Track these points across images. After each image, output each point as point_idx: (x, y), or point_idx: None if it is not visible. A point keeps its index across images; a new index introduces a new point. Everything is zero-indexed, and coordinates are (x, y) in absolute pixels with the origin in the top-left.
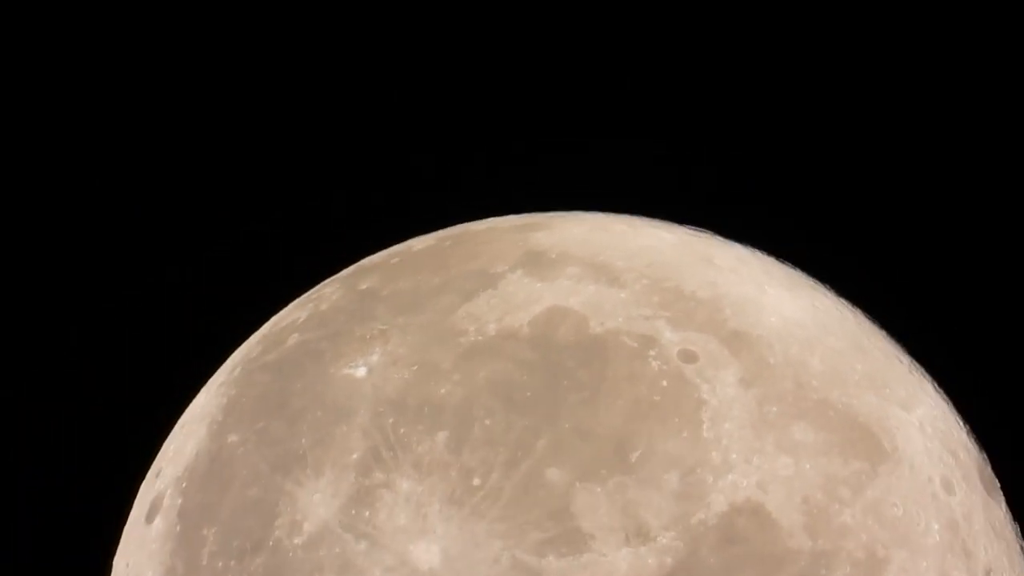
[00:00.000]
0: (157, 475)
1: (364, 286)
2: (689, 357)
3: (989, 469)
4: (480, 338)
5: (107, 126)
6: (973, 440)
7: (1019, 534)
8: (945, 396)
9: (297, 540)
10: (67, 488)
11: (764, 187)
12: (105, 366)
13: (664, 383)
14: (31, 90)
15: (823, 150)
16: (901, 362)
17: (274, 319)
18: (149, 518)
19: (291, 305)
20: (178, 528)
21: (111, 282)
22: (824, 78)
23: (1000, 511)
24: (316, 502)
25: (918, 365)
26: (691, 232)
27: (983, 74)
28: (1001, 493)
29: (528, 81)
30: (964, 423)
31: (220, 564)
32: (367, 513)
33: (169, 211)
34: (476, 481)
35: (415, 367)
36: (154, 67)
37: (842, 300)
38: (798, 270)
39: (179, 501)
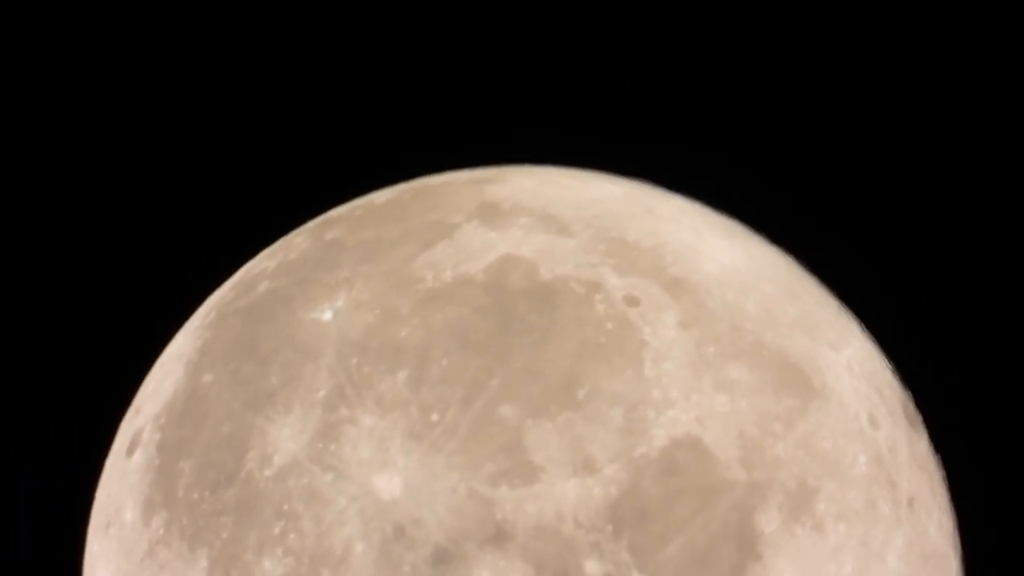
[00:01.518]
0: (137, 412)
1: (330, 236)
2: (632, 301)
3: (912, 405)
4: (437, 284)
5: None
6: (897, 378)
7: (940, 465)
8: (871, 337)
9: (267, 472)
10: (50, 424)
11: (704, 140)
12: (88, 309)
13: (609, 326)
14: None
15: (760, 103)
16: (830, 306)
17: (246, 267)
18: (129, 452)
19: (261, 254)
20: (156, 461)
21: (94, 230)
22: (772, 37)
23: (922, 444)
24: (285, 436)
25: (846, 308)
26: (635, 185)
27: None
28: (923, 428)
29: (483, 44)
30: (889, 363)
31: (195, 495)
32: (333, 447)
33: (147, 164)
34: (434, 417)
35: (377, 311)
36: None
37: (776, 248)
38: (735, 220)
39: (157, 436)
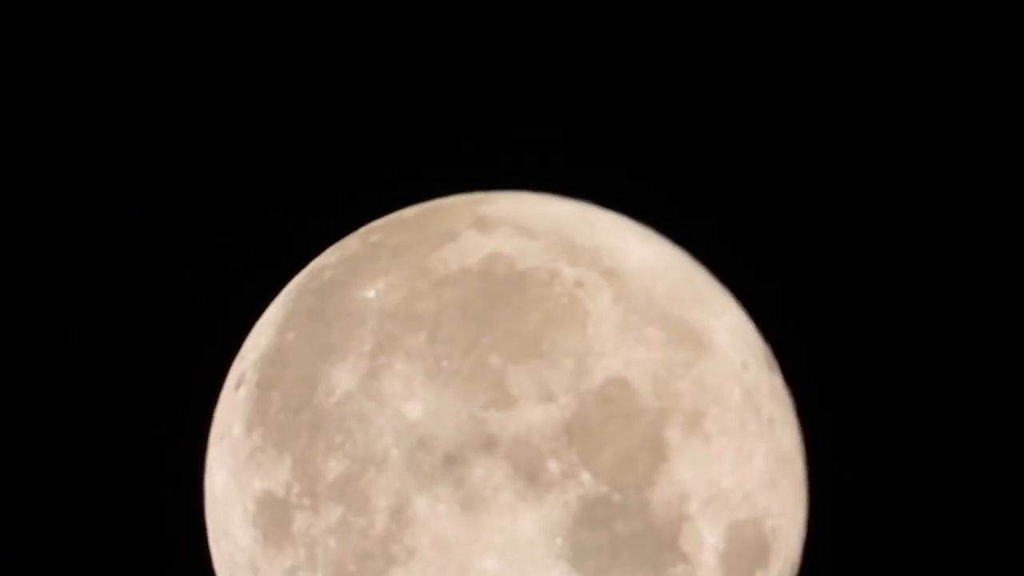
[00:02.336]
0: (242, 359)
1: (373, 239)
2: (579, 284)
3: (770, 354)
4: (446, 273)
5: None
6: (760, 336)
7: (790, 395)
8: (744, 309)
9: (331, 400)
10: (185, 368)
11: (627, 170)
12: (212, 289)
13: (564, 301)
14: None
15: (663, 140)
16: (714, 287)
17: (316, 260)
18: (236, 387)
19: (325, 252)
20: (255, 393)
21: (220, 236)
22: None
23: (778, 381)
24: (343, 376)
25: (726, 288)
26: (580, 204)
27: None
28: (779, 369)
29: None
30: (756, 326)
31: (282, 416)
32: (375, 383)
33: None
34: (444, 363)
35: (405, 291)
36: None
37: (676, 247)
38: (647, 227)
39: (256, 376)
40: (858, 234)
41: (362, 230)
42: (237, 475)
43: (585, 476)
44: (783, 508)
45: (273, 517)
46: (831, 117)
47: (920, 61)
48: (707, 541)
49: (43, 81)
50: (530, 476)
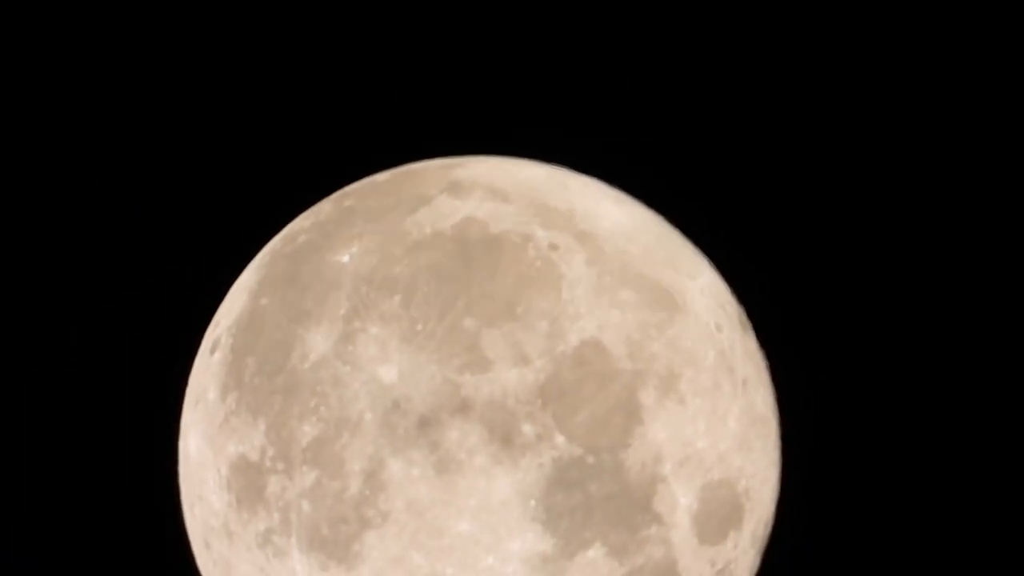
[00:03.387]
0: (216, 325)
1: (347, 204)
2: (553, 247)
3: (744, 315)
4: (421, 237)
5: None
6: (734, 297)
7: (764, 357)
8: (717, 270)
9: (305, 365)
10: (156, 333)
11: (602, 136)
12: (182, 257)
13: (538, 264)
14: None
15: (641, 113)
16: (688, 249)
17: (290, 225)
18: (211, 352)
19: (300, 216)
20: (230, 358)
21: (183, 194)
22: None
23: (752, 343)
24: (318, 341)
25: (700, 250)
26: (555, 168)
27: None
28: (752, 331)
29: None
30: (729, 287)
31: (256, 380)
32: (350, 347)
33: (229, 162)
34: (419, 327)
35: (379, 255)
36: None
37: (651, 210)
38: (622, 191)
39: (230, 341)
40: (831, 196)
41: (336, 195)
42: (211, 439)
43: (559, 438)
44: (757, 468)
45: (247, 481)
46: (804, 81)
47: (885, 36)
48: (681, 502)
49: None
50: (504, 439)
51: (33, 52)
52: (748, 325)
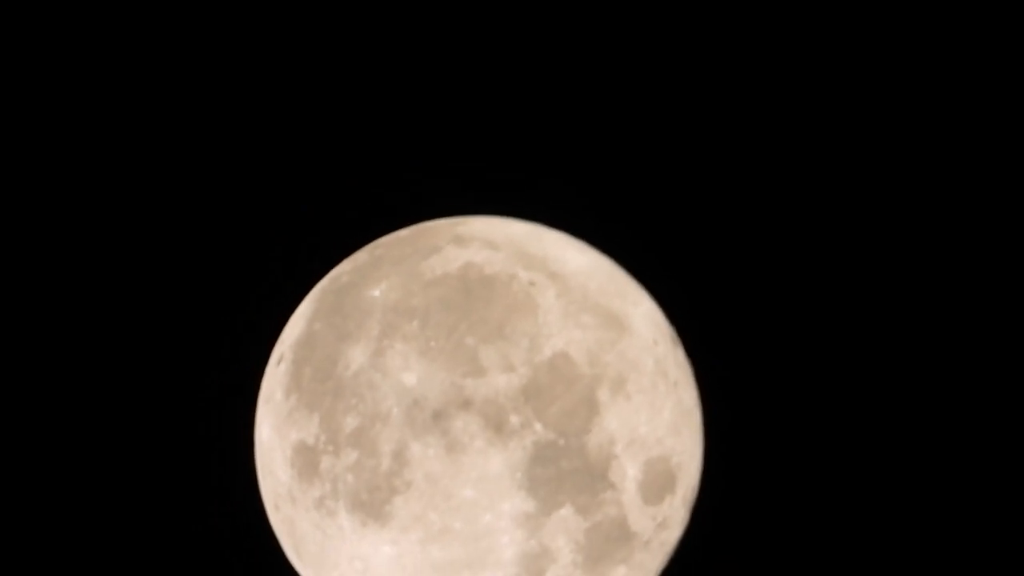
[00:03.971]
0: (281, 343)
1: (377, 252)
2: (532, 284)
3: (675, 333)
4: (433, 277)
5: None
6: (667, 319)
7: (691, 365)
8: (654, 300)
9: (348, 373)
10: (239, 351)
11: (569, 199)
12: (261, 293)
13: (521, 296)
14: None
15: (596, 169)
16: (631, 284)
17: (335, 268)
18: (278, 363)
19: (343, 262)
20: (291, 368)
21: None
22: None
23: (680, 354)
24: (357, 355)
25: (641, 285)
26: (532, 225)
27: None
28: (681, 345)
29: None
30: (663, 312)
31: (311, 385)
32: (381, 360)
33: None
34: (432, 344)
35: (402, 291)
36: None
37: (603, 255)
38: (582, 241)
39: (292, 356)
40: (737, 243)
41: (369, 246)
42: (278, 429)
43: (538, 426)
44: (685, 448)
45: (305, 460)
46: (716, 132)
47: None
48: (629, 473)
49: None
50: (497, 427)
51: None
52: (678, 340)
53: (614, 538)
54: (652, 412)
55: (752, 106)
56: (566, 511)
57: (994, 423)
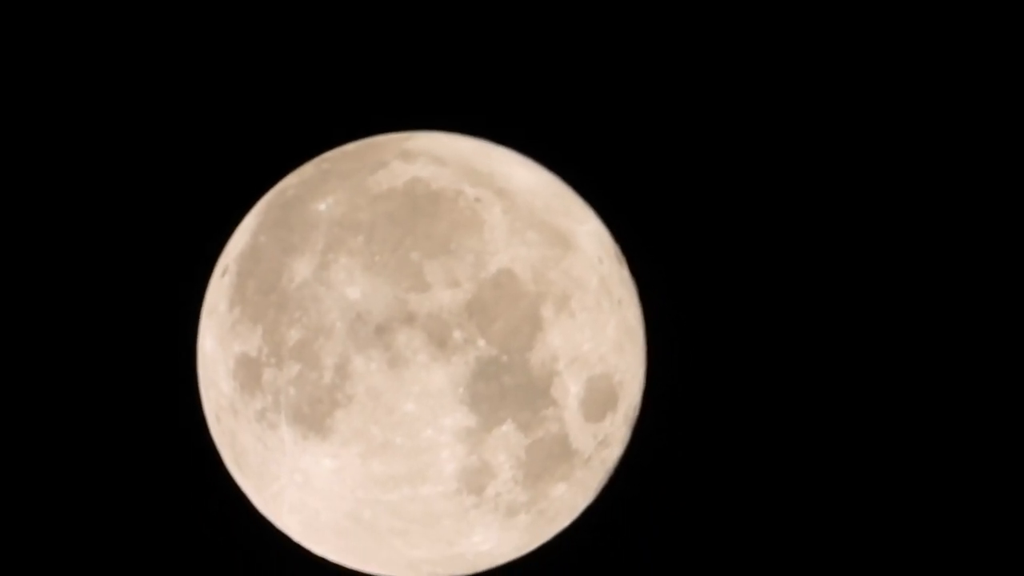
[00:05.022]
0: (226, 255)
1: (324, 167)
2: (478, 200)
3: (619, 251)
4: (379, 191)
5: None
6: (612, 238)
7: (635, 284)
8: (599, 218)
9: (292, 286)
10: (182, 262)
11: (518, 114)
12: (204, 211)
13: (467, 212)
14: None
15: (544, 94)
16: (577, 202)
17: (281, 182)
18: (222, 275)
19: (289, 175)
20: (236, 280)
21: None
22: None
23: (625, 272)
24: (301, 268)
25: (587, 203)
26: (479, 141)
27: None
28: (625, 263)
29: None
30: (608, 230)
31: (256, 297)
32: (325, 273)
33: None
34: (377, 258)
35: (348, 205)
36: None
37: (550, 172)
38: (529, 158)
39: (236, 268)
40: (683, 163)
41: (316, 160)
42: (222, 340)
43: (481, 342)
44: (628, 366)
45: (248, 372)
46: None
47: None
48: (571, 390)
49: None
50: (440, 342)
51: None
52: (623, 259)
53: (555, 455)
54: (596, 330)
55: (702, 31)
56: (507, 427)
57: (921, 380)
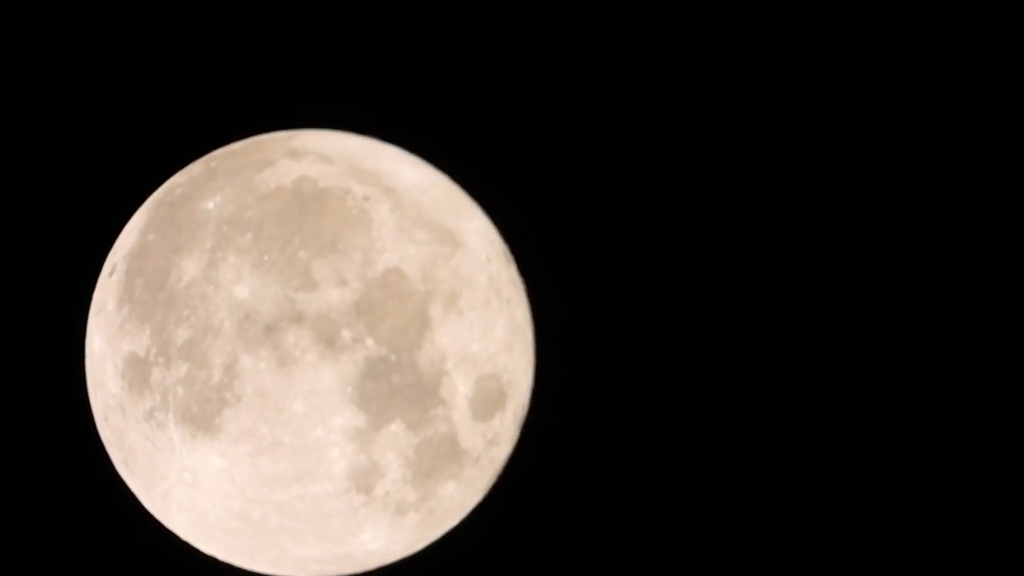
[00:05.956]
0: (114, 254)
1: (212, 165)
2: (366, 198)
3: (507, 249)
4: (267, 190)
5: None
6: (500, 237)
7: (524, 283)
8: (487, 215)
9: (181, 285)
10: (67, 261)
11: (405, 113)
12: (91, 206)
13: (355, 211)
14: None
15: (433, 87)
16: (465, 200)
17: (170, 180)
18: (110, 274)
19: (177, 174)
20: (124, 279)
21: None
22: None
23: (513, 271)
24: (190, 267)
25: (474, 201)
26: (367, 139)
27: None
28: (514, 263)
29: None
30: (496, 229)
31: (144, 296)
32: (214, 272)
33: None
34: (266, 257)
35: (236, 203)
36: None
37: (439, 171)
38: (416, 156)
39: (124, 266)
40: (570, 162)
41: (204, 158)
42: (110, 339)
43: (370, 341)
44: (517, 365)
45: (136, 371)
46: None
47: None
48: (460, 390)
49: None
50: (329, 341)
51: None
52: (511, 258)
53: (444, 454)
54: (484, 329)
55: (585, 23)
56: (396, 427)
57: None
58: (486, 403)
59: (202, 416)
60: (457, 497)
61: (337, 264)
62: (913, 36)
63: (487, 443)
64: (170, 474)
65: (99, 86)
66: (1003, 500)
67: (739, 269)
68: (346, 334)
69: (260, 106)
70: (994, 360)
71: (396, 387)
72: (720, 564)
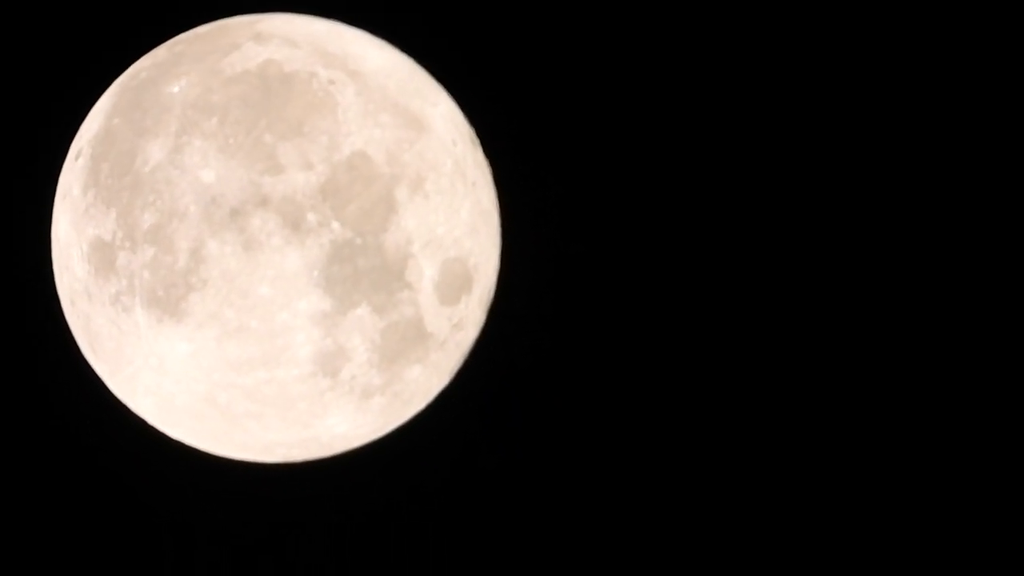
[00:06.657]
0: (80, 138)
1: (177, 49)
2: (331, 82)
3: (474, 134)
4: (233, 73)
5: None
6: (467, 120)
7: (489, 166)
8: (453, 99)
9: (146, 169)
10: (30, 144)
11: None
12: (59, 89)
13: (320, 94)
14: None
15: None
16: (431, 83)
17: (134, 64)
18: (76, 158)
19: (143, 58)
20: (89, 163)
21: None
22: None
23: (479, 154)
24: (156, 150)
25: (440, 84)
26: (333, 23)
27: None
28: (480, 145)
29: None
30: (462, 112)
31: (110, 181)
32: (179, 156)
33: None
34: (231, 141)
35: (201, 87)
36: None
37: (403, 53)
38: (381, 39)
39: (90, 151)
40: (535, 45)
41: (169, 42)
42: (76, 224)
43: (335, 225)
44: (483, 249)
45: (102, 256)
46: None
47: None
48: (426, 273)
49: None
50: (294, 225)
51: None
52: (477, 141)
53: (410, 338)
54: (450, 212)
55: None
56: (362, 310)
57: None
58: (452, 286)
59: (168, 300)
60: (423, 381)
61: (303, 148)
62: (913, 36)
63: (453, 327)
64: (136, 358)
65: None
66: (1003, 500)
67: (705, 161)
68: (312, 217)
69: None
70: (994, 360)
71: (362, 270)
72: (689, 451)
